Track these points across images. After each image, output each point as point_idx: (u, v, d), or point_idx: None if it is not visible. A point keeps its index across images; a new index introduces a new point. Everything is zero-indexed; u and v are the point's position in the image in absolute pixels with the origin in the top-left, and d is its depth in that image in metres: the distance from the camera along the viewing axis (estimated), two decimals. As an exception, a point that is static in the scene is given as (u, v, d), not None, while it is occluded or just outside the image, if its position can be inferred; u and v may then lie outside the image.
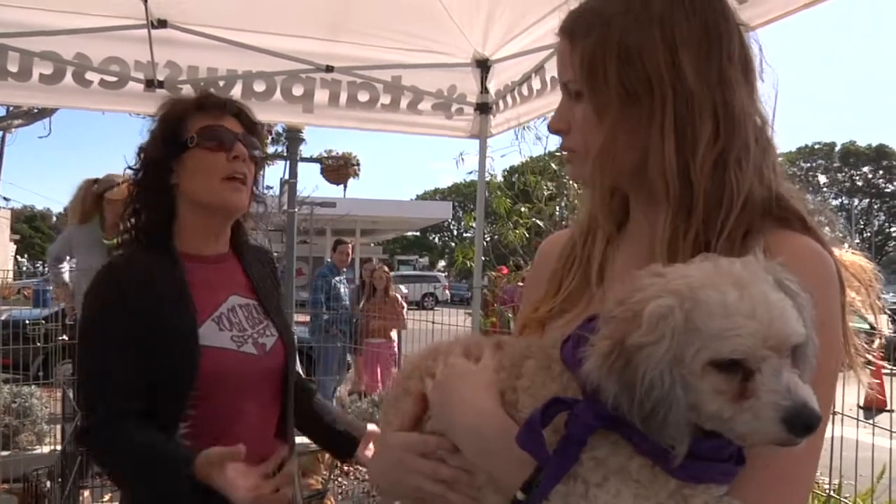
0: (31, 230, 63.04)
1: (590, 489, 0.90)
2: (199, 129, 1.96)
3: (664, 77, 1.07)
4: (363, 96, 4.26)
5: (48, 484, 4.56)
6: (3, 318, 10.16)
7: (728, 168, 1.06)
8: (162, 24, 3.69)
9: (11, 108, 10.24)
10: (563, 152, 1.24)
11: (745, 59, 1.12)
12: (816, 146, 74.87)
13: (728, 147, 1.07)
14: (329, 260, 11.06)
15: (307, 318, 10.19)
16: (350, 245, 10.69)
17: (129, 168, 2.03)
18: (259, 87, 4.07)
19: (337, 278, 10.15)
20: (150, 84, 3.81)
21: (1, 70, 3.72)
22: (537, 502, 0.92)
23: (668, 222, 1.09)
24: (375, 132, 4.64)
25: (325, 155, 13.93)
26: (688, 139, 1.07)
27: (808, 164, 71.81)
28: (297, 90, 4.14)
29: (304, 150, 14.60)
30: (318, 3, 3.77)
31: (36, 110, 9.94)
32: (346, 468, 5.91)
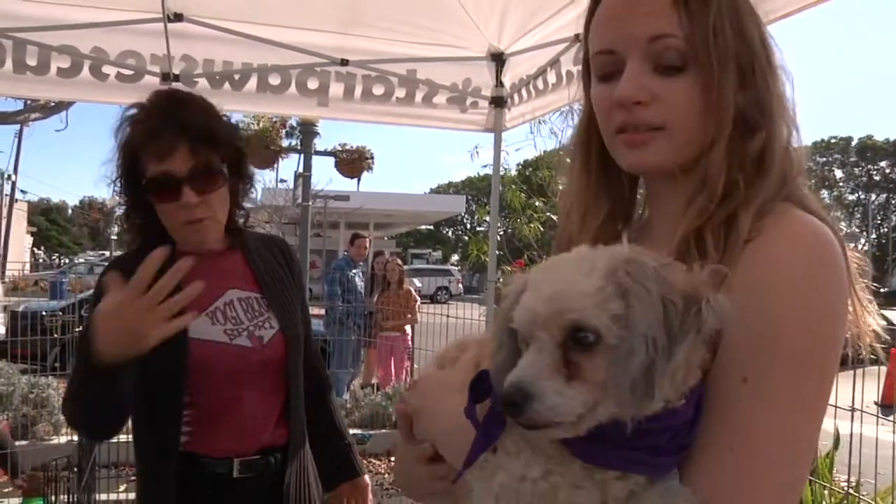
0: (48, 223, 63.61)
1: (505, 458, 0.95)
2: (148, 178, 1.92)
3: (759, 55, 1.05)
4: (378, 90, 4.25)
5: (66, 474, 4.60)
6: (20, 309, 10.28)
7: (774, 155, 1.04)
8: (178, 17, 3.70)
9: (29, 102, 10.29)
10: (631, 131, 1.07)
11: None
12: (833, 140, 74.21)
13: (775, 134, 1.05)
14: (346, 253, 11.07)
15: (321, 312, 10.22)
16: (367, 239, 10.72)
17: (112, 180, 2.02)
18: (274, 80, 4.07)
19: (353, 271, 10.18)
20: (166, 77, 3.82)
21: (19, 64, 3.74)
22: (464, 468, 0.98)
23: (698, 208, 1.03)
24: (390, 125, 4.64)
25: (340, 148, 13.93)
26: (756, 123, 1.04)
27: (825, 159, 71.16)
28: (313, 83, 4.13)
29: (319, 144, 14.65)
30: (333, -3, 3.77)
31: (53, 104, 10.00)
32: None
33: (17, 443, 6.10)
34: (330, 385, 2.37)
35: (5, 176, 38.72)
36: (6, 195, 39.26)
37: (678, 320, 0.85)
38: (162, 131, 1.88)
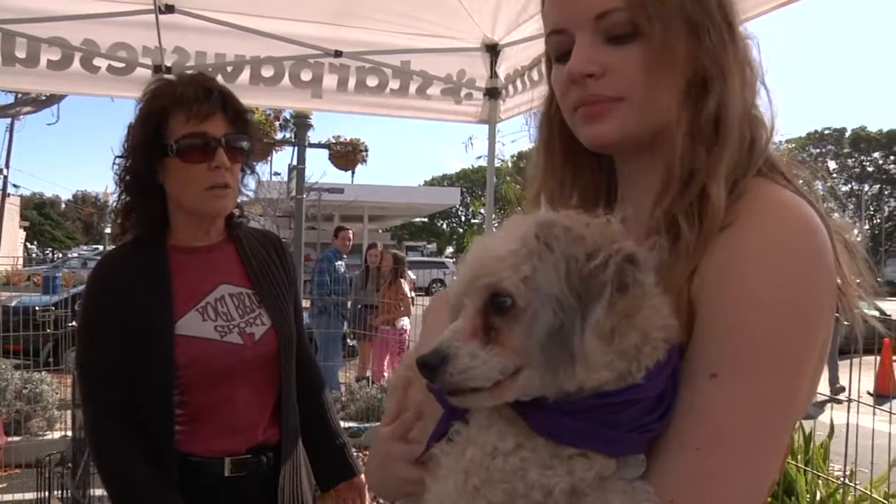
0: (41, 217, 63.31)
1: (476, 431, 0.92)
2: (179, 138, 1.91)
3: (714, 14, 0.98)
4: (372, 81, 4.23)
5: (60, 469, 4.58)
6: (13, 304, 10.23)
7: (729, 116, 0.96)
8: (170, 9, 3.66)
9: (20, 95, 10.23)
10: (587, 104, 1.01)
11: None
12: (826, 132, 74.38)
13: (730, 94, 0.97)
14: (331, 245, 11.04)
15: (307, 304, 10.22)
16: (351, 231, 10.72)
17: (118, 157, 2.00)
18: (267, 72, 4.05)
19: (339, 262, 10.18)
20: (158, 69, 3.78)
21: (9, 56, 3.70)
22: (432, 441, 0.98)
23: (664, 186, 0.97)
24: (384, 117, 4.62)
25: (333, 141, 13.89)
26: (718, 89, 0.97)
27: (818, 150, 71.29)
28: (306, 75, 4.10)
29: (313, 136, 14.60)
30: (326, -13, 3.73)
31: (44, 97, 9.93)
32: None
33: (10, 438, 6.09)
34: (323, 383, 2.34)
35: (-3, 170, 38.49)
36: (-1, 189, 39.04)
37: (580, 276, 0.82)
38: (202, 96, 1.93)
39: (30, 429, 6.37)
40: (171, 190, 1.98)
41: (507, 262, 0.85)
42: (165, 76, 2.10)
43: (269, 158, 14.67)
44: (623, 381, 0.85)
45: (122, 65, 3.80)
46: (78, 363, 1.98)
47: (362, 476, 2.25)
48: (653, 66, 0.96)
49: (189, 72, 2.56)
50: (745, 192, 0.94)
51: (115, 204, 2.02)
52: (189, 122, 1.91)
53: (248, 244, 2.13)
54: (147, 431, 1.88)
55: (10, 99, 10.73)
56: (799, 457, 4.39)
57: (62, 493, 4.46)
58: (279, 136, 15.90)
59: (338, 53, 4.05)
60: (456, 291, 0.92)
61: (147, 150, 1.93)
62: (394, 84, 4.28)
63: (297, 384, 2.11)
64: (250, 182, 2.15)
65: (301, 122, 11.83)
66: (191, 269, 2.00)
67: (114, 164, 2.00)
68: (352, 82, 4.20)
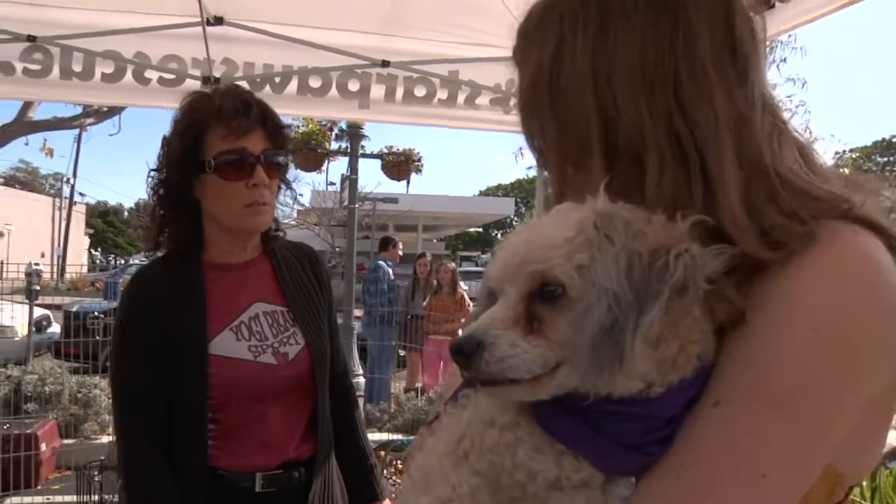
0: (105, 225, 65.34)
1: (482, 396, 0.88)
2: (218, 154, 1.88)
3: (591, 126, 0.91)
4: (420, 91, 4.20)
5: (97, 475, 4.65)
6: (73, 309, 10.51)
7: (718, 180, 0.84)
8: (219, 21, 3.71)
9: (85, 107, 10.52)
10: None
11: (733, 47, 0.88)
12: (895, 139, 71.90)
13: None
14: (382, 256, 11.06)
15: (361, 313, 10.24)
16: (399, 242, 10.74)
17: (152, 171, 1.98)
18: (315, 82, 4.05)
19: (390, 270, 10.18)
20: (207, 81, 3.83)
21: (66, 70, 3.81)
22: (449, 401, 0.94)
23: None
24: (435, 127, 4.59)
25: (386, 151, 13.95)
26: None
27: (885, 159, 68.97)
28: (353, 86, 4.10)
29: (368, 146, 14.70)
30: (373, -2, 3.72)
31: (105, 109, 10.20)
32: (402, 466, 5.88)
33: (64, 441, 6.23)
34: (356, 401, 2.30)
35: (64, 179, 39.91)
36: (66, 198, 40.45)
37: (642, 273, 0.75)
38: (241, 111, 1.90)
39: (83, 432, 6.50)
40: (208, 206, 1.95)
41: (562, 249, 0.79)
42: (202, 89, 2.07)
43: (324, 168, 14.80)
44: (641, 392, 0.79)
45: (172, 76, 3.85)
46: (111, 378, 1.97)
47: (387, 501, 2.19)
48: None
49: (226, 84, 2.54)
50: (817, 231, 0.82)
51: (148, 218, 2.01)
52: (228, 137, 1.88)
53: (284, 259, 2.10)
54: (179, 447, 1.86)
55: (77, 111, 11.03)
56: None
57: (101, 498, 4.53)
58: (335, 146, 16.06)
59: (385, 63, 4.03)
60: (496, 276, 0.85)
61: (184, 165, 1.90)
62: (442, 94, 4.24)
63: (331, 401, 2.07)
64: (287, 197, 2.12)
65: (354, 133, 11.89)
66: (225, 286, 1.97)
67: (148, 176, 1.98)
68: (399, 92, 4.17)
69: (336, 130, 16.67)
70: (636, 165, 0.87)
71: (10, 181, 46.88)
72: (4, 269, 11.58)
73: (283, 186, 2.07)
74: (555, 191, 1.00)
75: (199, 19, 3.63)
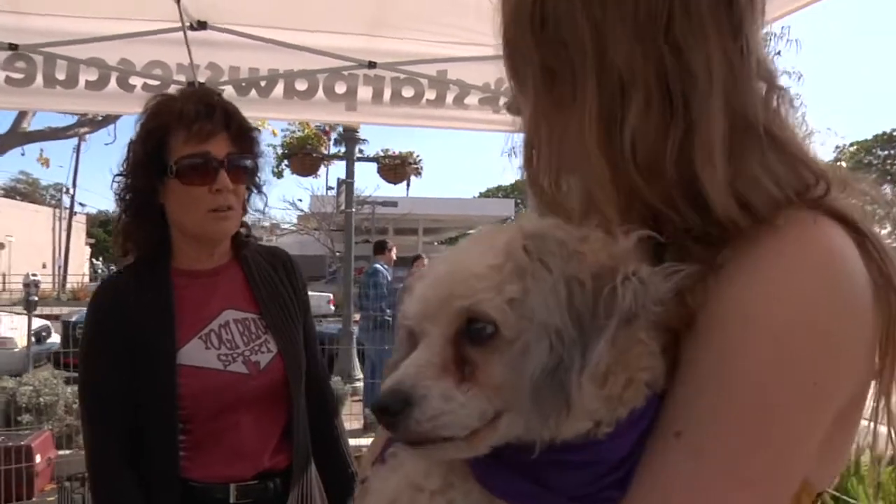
0: (106, 234, 65.34)
1: (408, 456, 0.80)
2: (179, 158, 1.84)
3: (586, 46, 0.81)
4: (408, 92, 4.16)
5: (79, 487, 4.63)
6: (73, 319, 10.50)
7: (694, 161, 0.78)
8: (202, 25, 3.66)
9: (79, 117, 10.51)
10: None
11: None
12: None
13: (692, 130, 0.78)
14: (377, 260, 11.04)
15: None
16: (393, 246, 10.71)
17: (117, 176, 1.95)
18: (301, 85, 4.02)
19: (386, 273, 10.15)
20: (192, 86, 3.78)
21: (49, 78, 3.77)
22: (374, 464, 0.87)
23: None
24: (426, 128, 4.55)
25: (382, 154, 13.93)
26: (619, 124, 0.80)
27: (886, 153, 68.85)
28: (340, 88, 4.06)
29: (368, 150, 14.67)
30: (359, -2, 3.68)
31: (101, 118, 10.18)
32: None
33: (59, 452, 6.19)
34: (336, 408, 2.26)
35: (63, 189, 39.97)
36: (66, 209, 40.50)
37: (587, 304, 0.67)
38: (204, 114, 1.87)
39: (78, 443, 6.46)
40: (172, 211, 1.92)
41: (488, 280, 0.70)
42: (167, 92, 2.04)
43: (320, 173, 14.76)
44: (588, 434, 0.70)
45: (156, 83, 3.81)
46: (79, 389, 1.93)
47: None
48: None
49: (192, 87, 2.50)
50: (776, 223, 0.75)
51: (114, 225, 1.97)
52: (189, 141, 1.85)
53: (256, 265, 2.05)
54: (149, 458, 1.82)
55: (72, 120, 11.02)
56: None
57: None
58: (334, 150, 16.02)
59: (372, 65, 3.99)
60: (415, 314, 0.76)
61: (147, 170, 1.87)
62: (430, 94, 4.20)
63: (308, 409, 2.03)
64: (257, 202, 2.09)
65: (350, 136, 11.88)
66: (194, 293, 1.93)
67: (113, 181, 1.95)
68: (387, 94, 4.13)
69: (335, 135, 16.65)
70: (620, 98, 0.79)
71: (11, 192, 46.96)
72: (5, 281, 11.58)
73: (252, 190, 2.03)
74: (527, 147, 0.91)
75: (183, 24, 3.59)
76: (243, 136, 1.95)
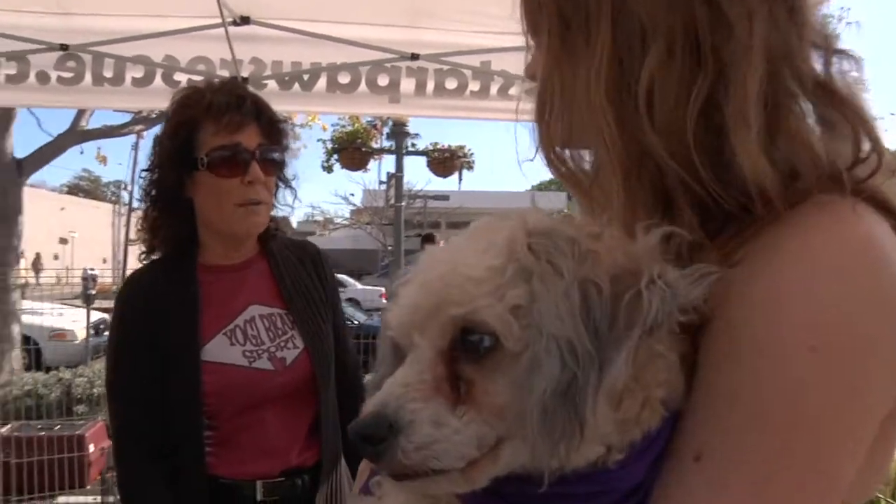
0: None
1: (390, 487, 0.72)
2: (210, 150, 1.82)
3: None
4: (451, 83, 4.10)
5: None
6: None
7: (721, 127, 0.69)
8: (245, 20, 3.68)
9: (134, 115, 10.71)
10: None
11: None
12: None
13: (714, 91, 0.69)
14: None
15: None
16: (440, 240, 10.67)
17: (143, 171, 1.94)
18: (344, 78, 4.00)
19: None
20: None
21: (97, 77, 3.85)
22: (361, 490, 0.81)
23: (620, 201, 0.73)
24: (469, 120, 4.49)
25: (431, 148, 13.90)
26: (633, 80, 0.71)
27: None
28: (383, 80, 4.03)
29: (419, 144, 14.65)
30: (400, -11, 3.64)
31: (155, 115, 10.37)
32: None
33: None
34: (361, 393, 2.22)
35: (122, 186, 41.03)
36: (125, 205, 41.55)
37: (604, 311, 0.58)
38: (234, 106, 1.85)
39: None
40: (201, 206, 1.90)
41: (488, 284, 0.61)
42: (195, 84, 2.02)
43: (370, 167, 14.81)
44: (597, 461, 0.62)
45: (200, 78, 3.82)
46: (106, 382, 1.94)
47: None
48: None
49: (222, 78, 2.49)
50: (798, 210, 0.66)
51: (140, 220, 1.96)
52: (220, 133, 1.82)
53: (283, 260, 2.02)
54: (176, 453, 1.82)
55: (125, 118, 11.24)
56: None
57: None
58: (387, 144, 16.07)
59: (414, 56, 3.95)
60: (400, 323, 0.67)
61: (176, 163, 1.85)
62: (474, 86, 4.13)
63: (340, 403, 2.00)
64: (286, 196, 2.06)
65: (398, 130, 11.88)
66: (220, 288, 1.91)
67: (139, 177, 1.94)
68: (430, 86, 4.08)
69: (386, 129, 16.69)
70: (640, 46, 0.71)
71: (74, 189, 48.38)
72: (68, 275, 11.91)
73: (281, 184, 2.00)
74: (539, 104, 0.84)
75: (227, 19, 3.61)
76: (273, 128, 1.93)
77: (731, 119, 0.67)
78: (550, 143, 0.83)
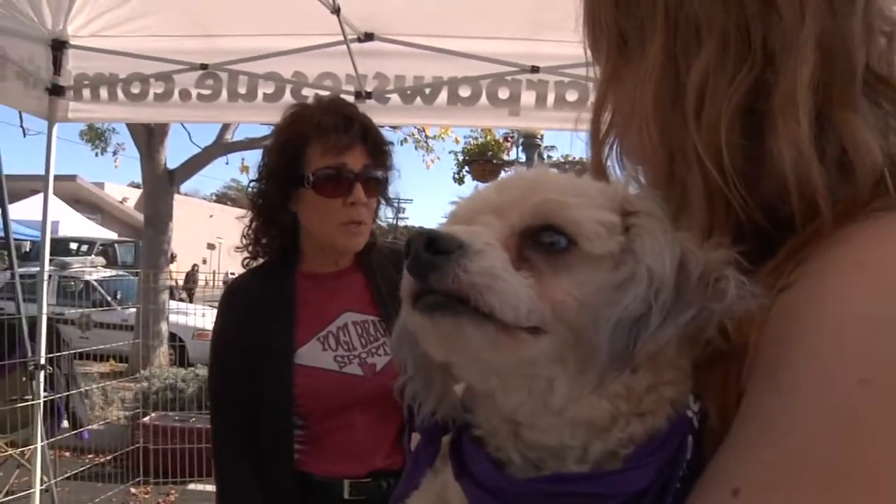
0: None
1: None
2: (317, 170, 1.86)
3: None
4: (571, 96, 4.05)
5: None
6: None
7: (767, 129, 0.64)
8: (369, 37, 3.81)
9: (273, 128, 11.25)
10: None
11: None
12: None
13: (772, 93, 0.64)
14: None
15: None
16: None
17: (252, 181, 2.01)
18: (464, 92, 4.04)
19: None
20: (359, 95, 3.92)
21: (233, 93, 4.10)
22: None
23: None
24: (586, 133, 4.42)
25: (562, 160, 13.76)
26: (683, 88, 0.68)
27: None
28: (503, 93, 4.04)
29: (556, 156, 14.56)
30: (519, 2, 3.63)
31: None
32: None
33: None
34: None
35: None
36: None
37: (694, 276, 0.56)
38: (341, 127, 1.89)
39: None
40: (304, 220, 1.96)
41: (597, 199, 0.60)
42: (306, 102, 2.09)
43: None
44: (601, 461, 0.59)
45: (327, 93, 3.98)
46: (208, 390, 2.05)
47: None
48: None
49: (331, 96, 2.55)
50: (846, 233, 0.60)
51: (246, 228, 2.03)
52: (327, 153, 1.87)
53: (379, 268, 2.05)
54: (267, 452, 1.88)
55: (265, 131, 11.83)
56: None
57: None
58: (523, 157, 16.07)
59: (535, 69, 3.94)
60: (472, 207, 0.64)
61: (282, 178, 1.91)
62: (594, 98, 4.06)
63: None
64: (387, 212, 2.10)
65: (529, 143, 11.83)
66: (316, 295, 1.97)
67: (248, 186, 2.02)
68: (550, 98, 4.05)
69: (521, 140, 16.69)
70: (695, 46, 0.67)
71: (222, 198, 51.33)
72: (214, 278, 12.58)
73: (382, 202, 2.04)
74: (594, 119, 0.83)
75: (351, 36, 3.74)
76: (379, 150, 1.96)
77: (779, 107, 0.63)
78: (603, 164, 0.81)
